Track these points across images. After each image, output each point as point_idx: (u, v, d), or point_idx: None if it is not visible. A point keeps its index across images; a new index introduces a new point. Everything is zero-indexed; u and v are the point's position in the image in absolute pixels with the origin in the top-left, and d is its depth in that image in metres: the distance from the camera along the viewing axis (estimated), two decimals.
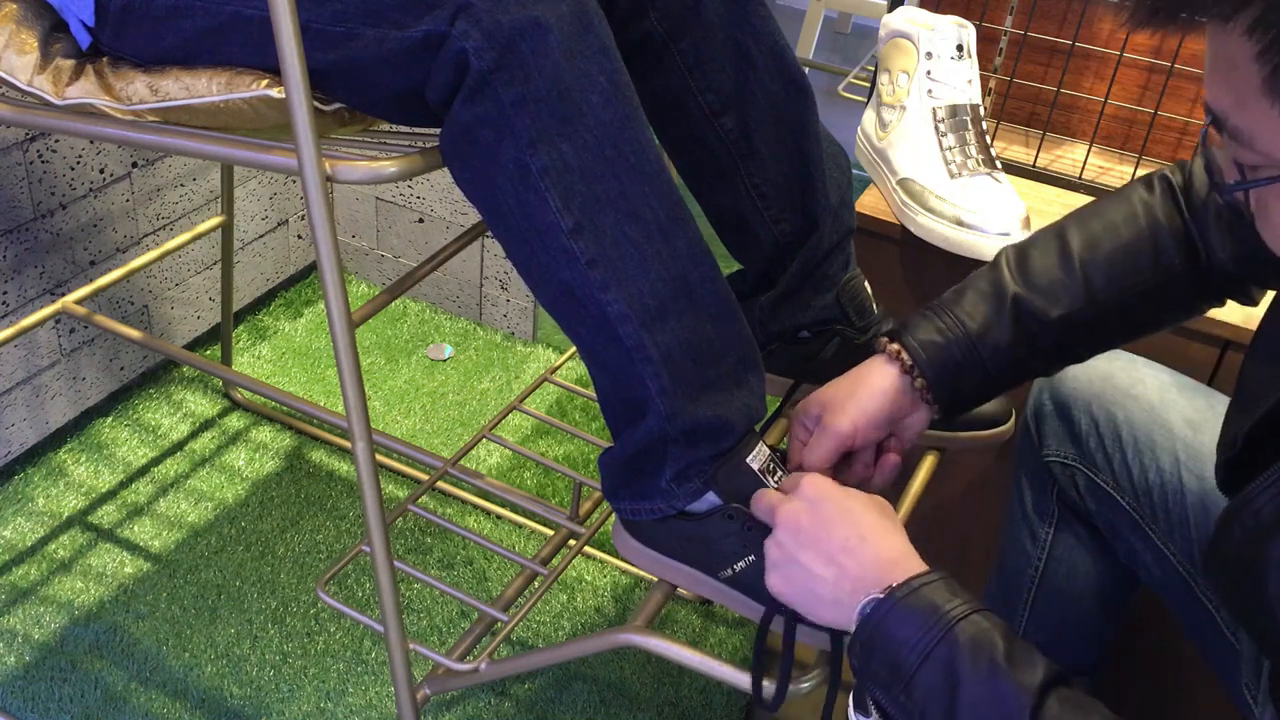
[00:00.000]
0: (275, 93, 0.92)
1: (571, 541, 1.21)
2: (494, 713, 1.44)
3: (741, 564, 0.92)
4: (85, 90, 1.00)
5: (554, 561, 1.16)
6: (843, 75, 1.65)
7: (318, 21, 0.88)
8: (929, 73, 1.30)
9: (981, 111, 1.31)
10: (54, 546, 1.60)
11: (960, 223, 1.24)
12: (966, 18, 1.35)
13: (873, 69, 1.45)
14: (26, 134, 1.53)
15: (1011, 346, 0.96)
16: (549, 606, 1.58)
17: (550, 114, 0.83)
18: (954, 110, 1.29)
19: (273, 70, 0.92)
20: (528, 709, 1.45)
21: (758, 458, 0.93)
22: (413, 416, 1.90)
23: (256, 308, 2.09)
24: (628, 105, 0.87)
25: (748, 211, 1.10)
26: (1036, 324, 0.96)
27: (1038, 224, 1.08)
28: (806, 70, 1.13)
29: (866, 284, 1.13)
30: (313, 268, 2.19)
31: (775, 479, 0.93)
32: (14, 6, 1.05)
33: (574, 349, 1.11)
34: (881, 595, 0.79)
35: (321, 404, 1.81)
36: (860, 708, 0.82)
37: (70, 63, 1.02)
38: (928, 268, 1.34)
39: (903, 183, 1.30)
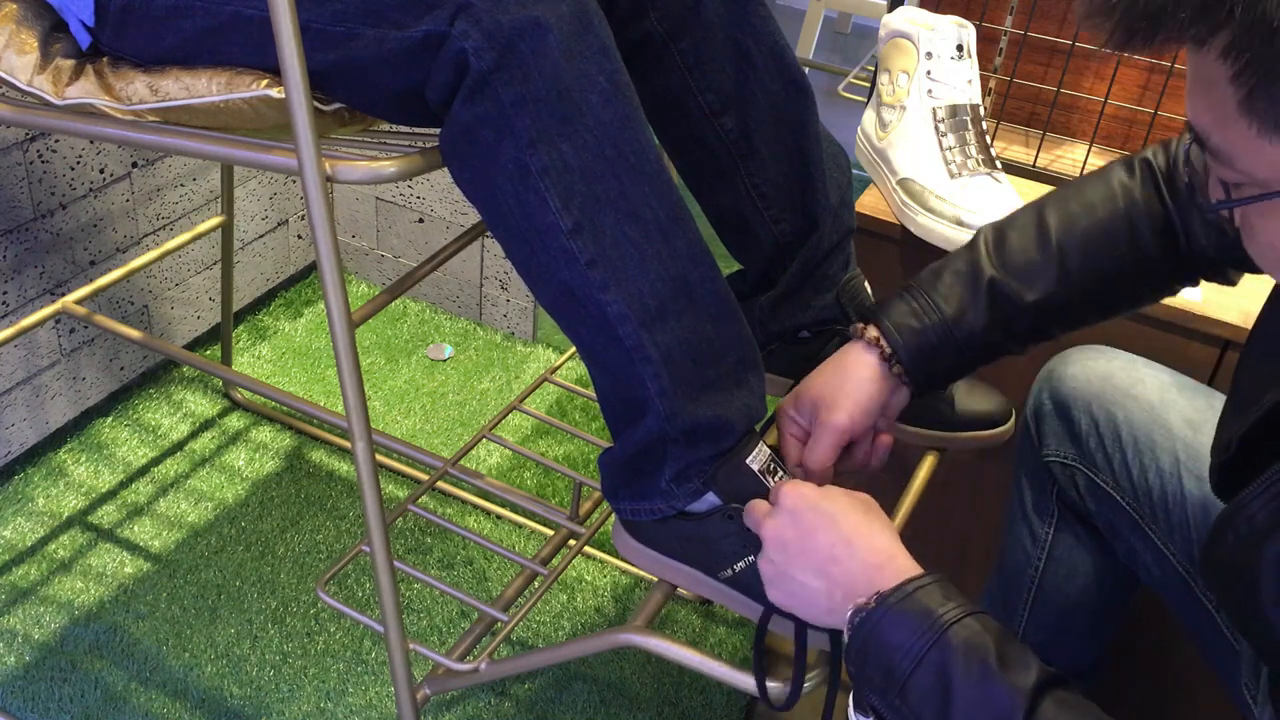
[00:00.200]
0: (275, 93, 0.92)
1: (571, 541, 1.21)
2: (494, 713, 1.44)
3: (741, 564, 0.92)
4: (85, 90, 1.00)
5: (554, 561, 1.16)
6: (843, 75, 1.65)
7: (318, 21, 0.88)
8: (929, 73, 1.30)
9: (981, 111, 1.30)
10: (54, 546, 1.60)
11: (960, 223, 1.24)
12: (966, 18, 1.35)
13: (873, 69, 1.45)
14: (26, 134, 1.53)
15: (986, 330, 0.97)
16: (549, 606, 1.58)
17: (550, 114, 0.83)
18: (954, 110, 1.29)
19: (273, 70, 0.92)
20: (528, 709, 1.45)
21: (758, 458, 0.93)
22: (413, 416, 1.90)
23: (256, 308, 2.09)
24: (628, 105, 0.87)
25: (748, 211, 1.10)
26: (1012, 308, 0.97)
27: None
28: (806, 70, 1.13)
29: (866, 284, 1.13)
30: (313, 268, 2.19)
31: (776, 479, 0.93)
32: (14, 6, 1.05)
33: (574, 349, 1.11)
34: (873, 602, 0.79)
35: (321, 404, 1.81)
36: (860, 708, 0.82)
37: (70, 63, 1.02)
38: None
39: (903, 183, 1.30)
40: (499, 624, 1.08)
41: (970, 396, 1.14)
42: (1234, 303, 1.22)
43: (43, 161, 1.57)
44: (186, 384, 1.91)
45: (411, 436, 1.86)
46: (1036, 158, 1.45)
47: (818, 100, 1.10)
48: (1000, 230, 1.00)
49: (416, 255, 2.13)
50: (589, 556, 1.66)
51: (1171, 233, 0.96)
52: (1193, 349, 1.24)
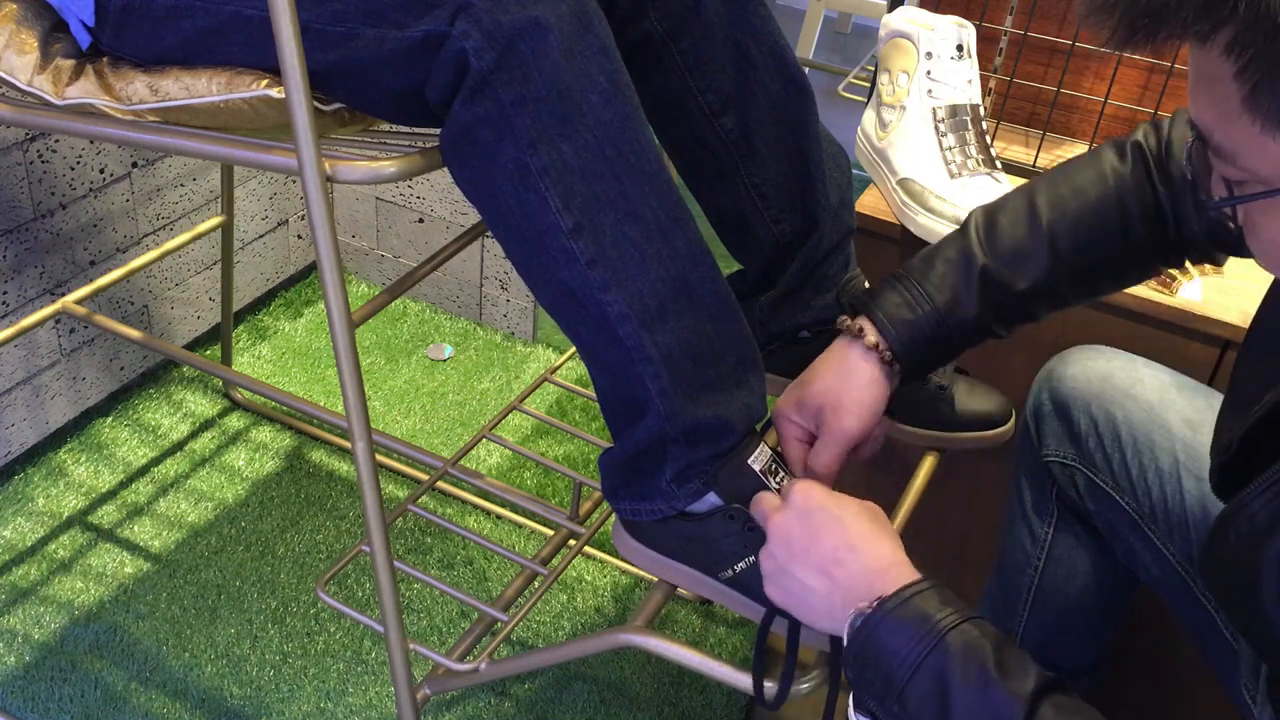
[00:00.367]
0: (275, 93, 0.92)
1: (571, 541, 1.21)
2: (494, 713, 1.44)
3: (742, 564, 0.92)
4: (85, 90, 1.00)
5: (554, 561, 1.16)
6: (843, 75, 1.65)
7: (318, 21, 0.88)
8: (929, 73, 1.30)
9: (981, 111, 1.30)
10: (54, 546, 1.60)
11: (960, 223, 1.24)
12: (966, 18, 1.35)
13: (873, 69, 1.45)
14: (26, 134, 1.53)
15: (977, 317, 0.98)
16: (549, 606, 1.58)
17: (550, 114, 0.83)
18: (954, 110, 1.29)
19: (273, 70, 0.92)
20: (528, 709, 1.45)
21: (759, 458, 0.93)
22: (413, 416, 1.90)
23: (256, 308, 2.09)
24: (628, 105, 0.87)
25: (748, 211, 1.10)
26: (1002, 295, 0.97)
27: None
28: (806, 70, 1.13)
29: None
30: (313, 268, 2.19)
31: (777, 479, 0.93)
32: (14, 6, 1.05)
33: (574, 349, 1.11)
34: (872, 608, 0.79)
35: (321, 404, 1.81)
36: (860, 708, 0.82)
37: (70, 63, 1.02)
38: None
39: (903, 183, 1.30)
40: (499, 624, 1.08)
41: (970, 397, 1.14)
42: (1234, 303, 1.22)
43: (43, 161, 1.57)
44: (186, 384, 1.91)
45: (411, 436, 1.86)
46: (1036, 158, 1.45)
47: (818, 100, 1.10)
48: (991, 215, 1.00)
49: (416, 255, 2.13)
50: (589, 556, 1.66)
51: (1161, 217, 0.97)
52: (1193, 349, 1.24)
